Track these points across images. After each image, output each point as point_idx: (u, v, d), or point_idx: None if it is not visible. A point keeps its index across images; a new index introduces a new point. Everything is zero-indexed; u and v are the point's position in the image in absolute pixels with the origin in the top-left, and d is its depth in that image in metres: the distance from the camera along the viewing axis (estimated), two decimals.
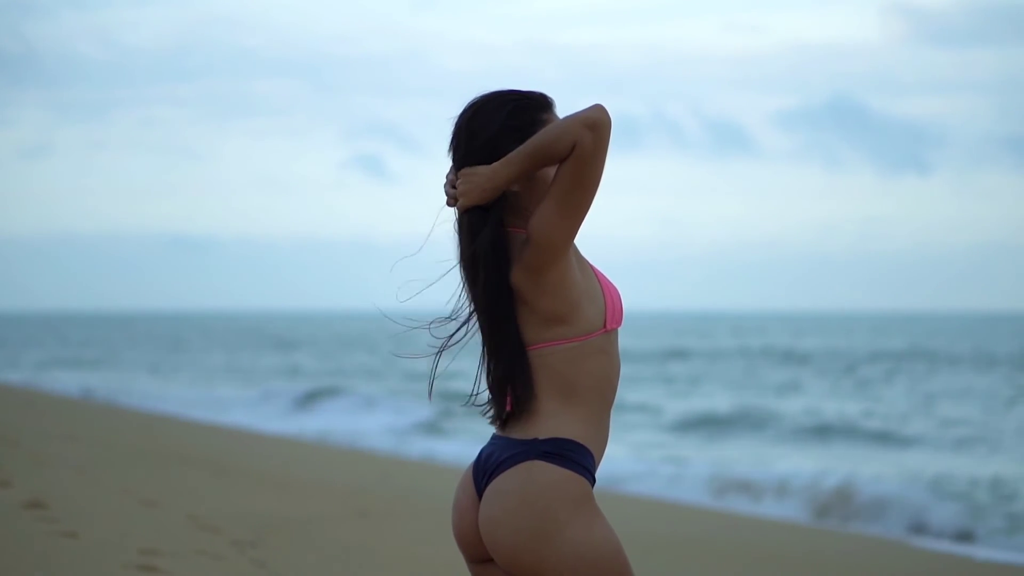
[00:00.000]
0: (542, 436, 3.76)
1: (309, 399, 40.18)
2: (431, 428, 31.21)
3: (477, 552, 3.87)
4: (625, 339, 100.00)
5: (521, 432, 3.80)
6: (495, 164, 3.76)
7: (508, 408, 3.83)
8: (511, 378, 3.79)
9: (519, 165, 3.73)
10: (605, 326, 3.83)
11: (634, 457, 25.89)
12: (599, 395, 3.82)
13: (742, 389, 47.05)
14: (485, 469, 3.83)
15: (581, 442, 3.77)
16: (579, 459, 3.75)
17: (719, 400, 41.57)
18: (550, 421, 3.77)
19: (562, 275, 3.76)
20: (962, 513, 18.41)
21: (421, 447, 25.91)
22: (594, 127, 3.66)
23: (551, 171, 3.79)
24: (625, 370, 58.44)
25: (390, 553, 10.60)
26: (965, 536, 16.91)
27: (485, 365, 3.84)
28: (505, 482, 3.74)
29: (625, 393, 44.67)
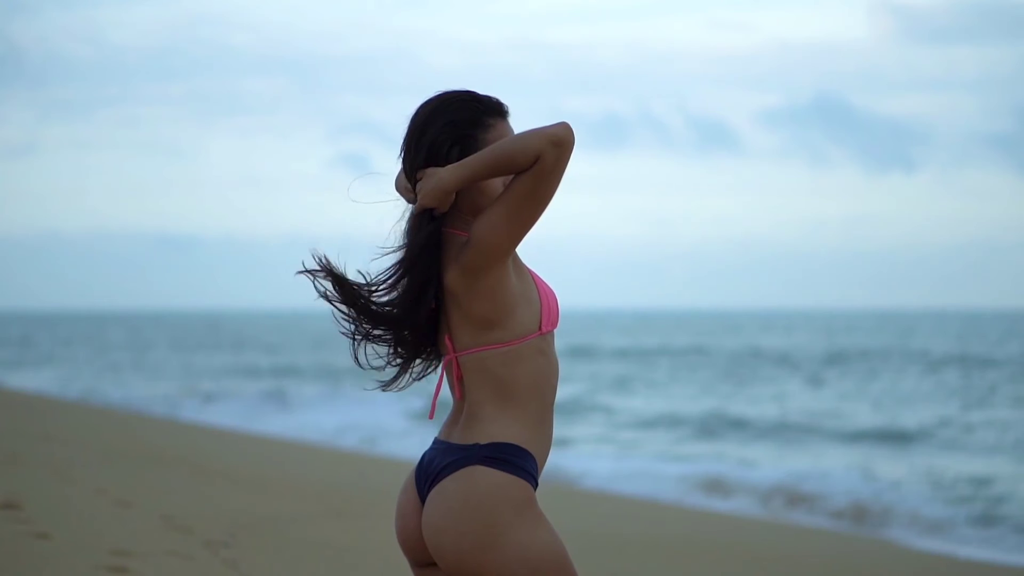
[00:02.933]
0: (483, 441, 3.77)
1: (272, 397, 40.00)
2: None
3: (421, 556, 3.87)
4: (607, 337, 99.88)
5: (462, 437, 3.81)
6: (451, 167, 3.76)
7: (459, 397, 3.86)
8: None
9: (475, 170, 3.73)
10: (541, 329, 3.83)
11: (610, 456, 25.83)
12: (538, 397, 3.82)
13: (718, 388, 47.02)
14: (427, 474, 3.84)
15: (522, 446, 3.78)
16: (521, 463, 3.76)
17: (692, 399, 41.54)
18: (490, 425, 3.78)
19: (498, 281, 3.77)
20: (936, 510, 18.40)
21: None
22: (559, 144, 3.68)
23: (493, 179, 3.80)
24: (605, 368, 58.44)
25: (364, 552, 10.57)
26: (943, 534, 16.88)
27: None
28: (447, 487, 3.75)
29: (603, 392, 44.63)
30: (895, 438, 29.48)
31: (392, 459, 21.30)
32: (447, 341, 3.84)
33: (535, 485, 3.79)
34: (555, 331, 3.90)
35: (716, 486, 20.63)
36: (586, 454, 25.56)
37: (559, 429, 30.11)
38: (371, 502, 14.10)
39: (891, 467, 23.92)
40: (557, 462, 22.91)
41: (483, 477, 3.72)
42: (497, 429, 3.77)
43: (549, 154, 3.67)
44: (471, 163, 3.73)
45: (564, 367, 57.70)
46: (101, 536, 9.38)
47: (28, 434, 17.96)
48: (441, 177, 3.75)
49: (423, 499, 3.84)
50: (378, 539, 11.29)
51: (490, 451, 3.75)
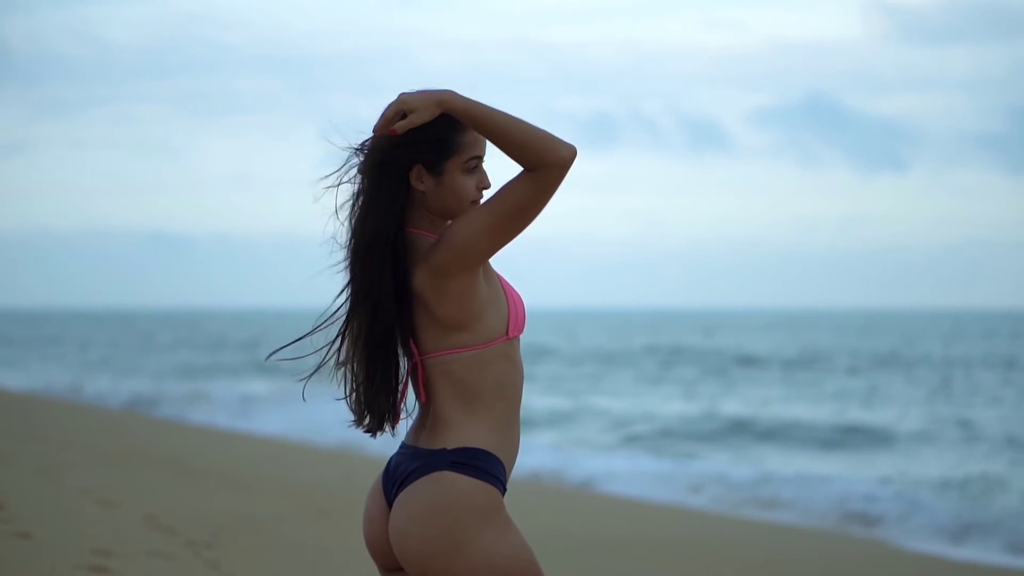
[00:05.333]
0: (450, 446, 3.72)
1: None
2: None
3: (388, 561, 3.83)
4: (601, 337, 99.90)
5: (428, 442, 3.76)
6: (459, 95, 3.63)
7: (423, 401, 3.79)
8: (392, 392, 3.79)
9: (483, 115, 3.61)
10: (507, 334, 3.78)
11: (599, 456, 25.76)
12: (504, 401, 3.76)
13: (707, 388, 47.00)
14: (394, 479, 3.79)
15: (490, 451, 3.73)
16: (489, 468, 3.71)
17: (681, 399, 41.52)
18: (457, 430, 3.73)
19: (468, 285, 3.70)
20: (928, 511, 18.37)
21: None
22: (564, 167, 3.61)
23: (464, 181, 3.73)
24: (593, 367, 58.39)
25: (347, 553, 10.50)
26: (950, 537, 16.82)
27: (360, 371, 3.78)
28: (414, 493, 3.70)
29: (590, 391, 44.59)
30: (886, 438, 29.44)
31: (380, 458, 21.23)
32: (411, 344, 3.77)
33: (503, 490, 3.74)
34: (521, 336, 3.84)
35: (706, 487, 20.56)
36: (574, 454, 25.48)
37: (547, 430, 30.10)
38: (357, 502, 13.99)
39: (883, 467, 23.88)
40: (544, 461, 22.83)
41: (450, 482, 3.67)
42: (465, 434, 3.72)
43: (553, 174, 3.60)
44: (483, 107, 3.62)
45: (549, 367, 57.68)
46: (83, 536, 9.35)
47: (13, 433, 17.92)
48: (441, 91, 3.63)
49: (390, 504, 3.79)
50: (361, 539, 11.24)
51: (458, 456, 3.70)
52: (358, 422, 3.82)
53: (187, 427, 26.64)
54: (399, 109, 3.64)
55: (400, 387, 3.81)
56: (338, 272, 3.79)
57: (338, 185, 3.79)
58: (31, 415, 23.16)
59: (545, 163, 3.60)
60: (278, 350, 3.84)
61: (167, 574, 8.55)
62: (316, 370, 3.81)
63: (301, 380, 3.85)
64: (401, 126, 3.63)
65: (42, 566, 8.11)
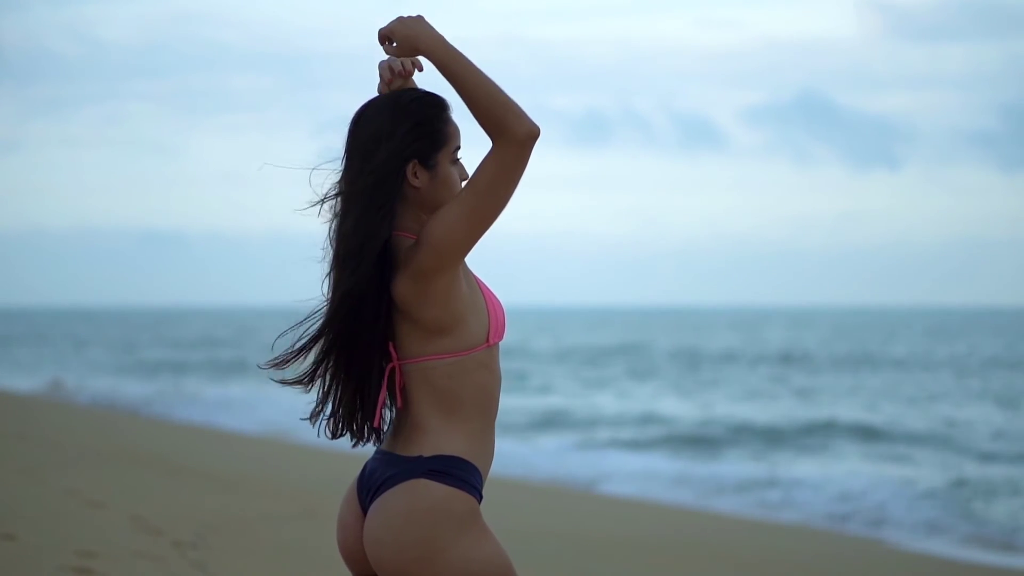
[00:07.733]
0: (427, 453, 3.66)
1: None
2: None
3: (363, 569, 3.76)
4: (591, 336, 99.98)
5: (405, 448, 3.70)
6: (439, 34, 3.60)
7: (376, 425, 3.73)
8: (370, 393, 3.72)
9: (455, 68, 3.55)
10: (488, 340, 3.71)
11: (593, 456, 25.71)
12: (482, 410, 3.71)
13: (697, 387, 47.01)
14: (369, 485, 3.73)
15: (467, 459, 3.68)
16: (466, 476, 3.66)
17: (672, 399, 41.53)
18: (434, 438, 3.67)
19: (450, 285, 3.63)
20: (924, 510, 18.34)
21: None
22: (522, 142, 3.52)
23: (453, 172, 3.67)
24: (586, 367, 58.39)
25: (335, 553, 10.38)
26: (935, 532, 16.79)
27: (343, 379, 3.72)
28: (390, 501, 3.65)
29: (581, 391, 44.57)
30: (881, 437, 29.42)
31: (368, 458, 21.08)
32: (390, 348, 3.70)
33: (480, 498, 3.69)
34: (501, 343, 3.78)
35: (703, 486, 20.51)
36: (571, 454, 25.42)
37: (545, 431, 30.04)
38: None
39: (878, 466, 23.85)
40: (541, 462, 22.79)
41: (427, 490, 3.62)
42: (442, 441, 3.66)
43: (513, 150, 3.52)
44: (460, 64, 3.55)
45: (542, 367, 57.67)
46: (68, 537, 9.32)
47: (1, 433, 17.86)
48: (421, 35, 3.59)
49: (365, 511, 3.73)
50: None
51: (434, 464, 3.64)
52: (336, 432, 3.76)
53: (174, 426, 26.56)
54: (386, 36, 3.67)
55: (379, 394, 3.73)
56: (323, 273, 3.71)
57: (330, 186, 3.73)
58: (16, 414, 23.11)
59: (504, 132, 3.51)
60: (275, 362, 3.74)
61: (153, 575, 8.47)
62: (312, 376, 3.74)
63: (279, 381, 3.77)
64: (389, 51, 3.67)
65: (26, 568, 8.08)
